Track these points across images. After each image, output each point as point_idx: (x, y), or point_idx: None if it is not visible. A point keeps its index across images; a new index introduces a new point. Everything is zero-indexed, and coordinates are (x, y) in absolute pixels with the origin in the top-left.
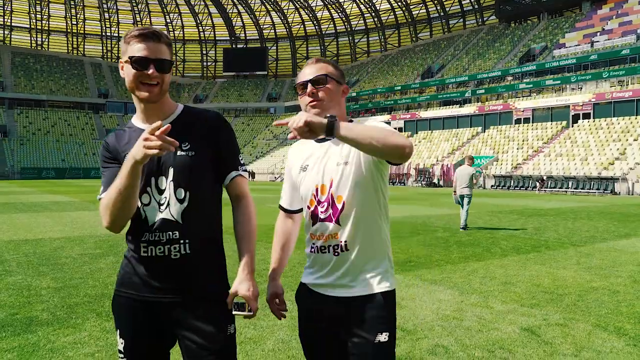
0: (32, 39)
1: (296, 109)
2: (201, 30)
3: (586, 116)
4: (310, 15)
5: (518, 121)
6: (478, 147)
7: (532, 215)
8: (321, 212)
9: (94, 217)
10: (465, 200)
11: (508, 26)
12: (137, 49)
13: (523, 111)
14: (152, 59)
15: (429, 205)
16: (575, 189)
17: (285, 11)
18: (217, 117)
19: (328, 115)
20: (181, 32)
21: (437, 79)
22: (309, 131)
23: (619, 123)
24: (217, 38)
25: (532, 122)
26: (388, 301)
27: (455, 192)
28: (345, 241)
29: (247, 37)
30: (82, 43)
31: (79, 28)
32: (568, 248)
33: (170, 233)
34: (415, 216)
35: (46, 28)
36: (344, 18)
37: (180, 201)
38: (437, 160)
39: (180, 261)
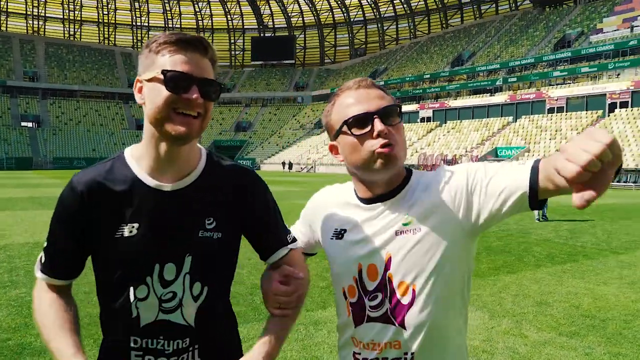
0: (65, 29)
1: (323, 98)
2: (229, 18)
3: (623, 105)
4: (339, 2)
5: (551, 110)
6: (509, 137)
7: (566, 214)
8: (370, 307)
9: None
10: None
11: (542, 11)
12: (174, 61)
13: (557, 100)
14: (196, 77)
15: None
16: (613, 182)
17: None
18: (248, 174)
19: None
20: (209, 21)
21: (467, 67)
22: None
23: None
24: (245, 27)
25: (566, 112)
26: None
27: None
28: (413, 353)
29: (275, 26)
30: (113, 33)
31: (110, 18)
32: (608, 256)
33: (180, 342)
34: None
35: (78, 18)
36: (372, 5)
37: (195, 299)
38: (466, 151)
39: None
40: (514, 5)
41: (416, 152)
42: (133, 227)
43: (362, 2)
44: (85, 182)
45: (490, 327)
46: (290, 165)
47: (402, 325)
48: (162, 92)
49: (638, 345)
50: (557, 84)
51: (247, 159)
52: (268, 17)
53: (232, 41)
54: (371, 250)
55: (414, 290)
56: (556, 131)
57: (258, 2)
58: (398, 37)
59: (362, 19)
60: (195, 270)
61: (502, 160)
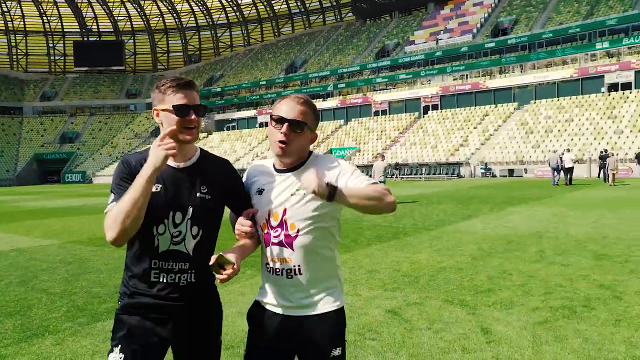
0: None
1: None
2: (46, 20)
3: (435, 107)
4: (170, 7)
5: (377, 113)
6: (341, 139)
7: None
8: (274, 236)
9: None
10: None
11: (364, 23)
12: (177, 98)
13: (380, 104)
14: (191, 105)
15: None
16: (427, 174)
17: (141, 2)
18: (224, 161)
19: (328, 184)
20: (21, 22)
21: (300, 74)
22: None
23: (461, 113)
24: (65, 30)
25: (389, 114)
26: (339, 318)
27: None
28: (298, 265)
29: (101, 30)
30: None
31: None
32: (422, 233)
33: (182, 264)
34: None
35: None
36: (205, 11)
37: (194, 237)
38: None
39: (186, 287)
40: (339, 17)
41: (257, 156)
42: (159, 186)
43: (194, 8)
44: (135, 159)
45: None
46: None
47: (291, 248)
48: (173, 118)
49: (439, 290)
50: (380, 90)
51: (77, 172)
52: (92, 21)
53: (51, 45)
54: (276, 203)
55: (298, 229)
56: (382, 132)
57: (79, 4)
58: (232, 44)
59: (195, 25)
60: (194, 217)
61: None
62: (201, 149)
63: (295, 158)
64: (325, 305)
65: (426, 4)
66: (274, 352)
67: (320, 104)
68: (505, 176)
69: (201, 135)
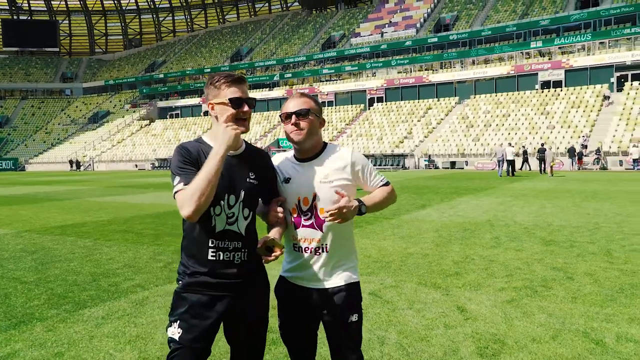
0: None
1: (97, 90)
2: None
3: (380, 100)
4: None
5: (323, 104)
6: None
7: None
8: (305, 219)
9: None
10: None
11: (310, 13)
12: (232, 91)
13: (327, 95)
14: (244, 98)
15: None
16: (374, 165)
17: None
18: (264, 152)
19: (359, 203)
20: None
21: (246, 62)
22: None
23: (406, 106)
24: None
25: (335, 105)
26: (356, 290)
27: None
28: (326, 244)
29: (32, 8)
30: None
31: None
32: (382, 221)
33: (236, 243)
34: None
35: None
36: None
37: (246, 218)
38: (250, 143)
39: (240, 265)
40: (285, 6)
41: None
42: None
43: None
44: (192, 147)
45: None
46: (78, 164)
47: (321, 229)
48: (229, 110)
49: (412, 274)
50: (326, 81)
51: (7, 159)
52: None
53: None
54: (305, 190)
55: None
56: (328, 123)
57: None
58: (175, 30)
59: (136, 7)
60: (246, 200)
61: (285, 150)
62: (245, 141)
63: (313, 143)
64: (344, 279)
65: None
66: (303, 321)
67: (266, 94)
68: (448, 168)
69: (142, 122)
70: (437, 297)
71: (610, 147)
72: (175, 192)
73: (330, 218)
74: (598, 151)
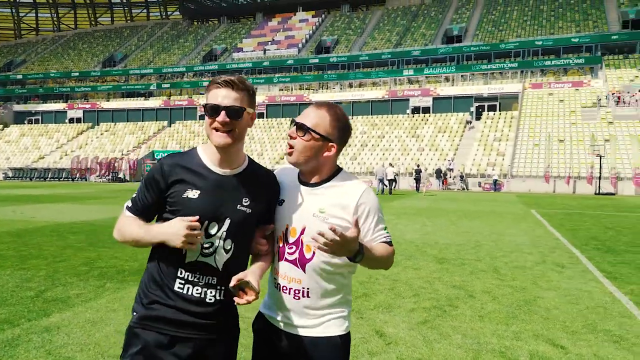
0: None
1: None
2: None
3: (261, 115)
4: None
5: (202, 117)
6: (165, 141)
7: None
8: (288, 253)
9: None
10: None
11: (191, 24)
12: (211, 96)
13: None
14: (222, 106)
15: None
16: None
17: None
18: (270, 174)
19: (359, 247)
20: None
21: (120, 69)
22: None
23: (286, 123)
24: None
25: None
26: (343, 343)
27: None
28: (308, 288)
29: None
30: None
31: None
32: None
33: (210, 278)
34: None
35: None
36: None
37: (226, 252)
38: (123, 154)
39: (213, 304)
40: (164, 13)
41: (66, 154)
42: (196, 193)
43: None
44: (169, 165)
45: None
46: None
47: (303, 269)
48: (207, 118)
49: None
50: (203, 94)
51: None
52: None
53: None
54: (295, 219)
55: (314, 252)
56: (208, 136)
57: None
58: (38, 28)
59: None
60: (230, 231)
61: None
62: (250, 159)
63: (312, 167)
64: (330, 328)
65: (254, 13)
66: None
67: (141, 103)
68: None
69: None
70: (353, 320)
71: (471, 170)
72: (124, 208)
73: (314, 243)
74: (462, 175)
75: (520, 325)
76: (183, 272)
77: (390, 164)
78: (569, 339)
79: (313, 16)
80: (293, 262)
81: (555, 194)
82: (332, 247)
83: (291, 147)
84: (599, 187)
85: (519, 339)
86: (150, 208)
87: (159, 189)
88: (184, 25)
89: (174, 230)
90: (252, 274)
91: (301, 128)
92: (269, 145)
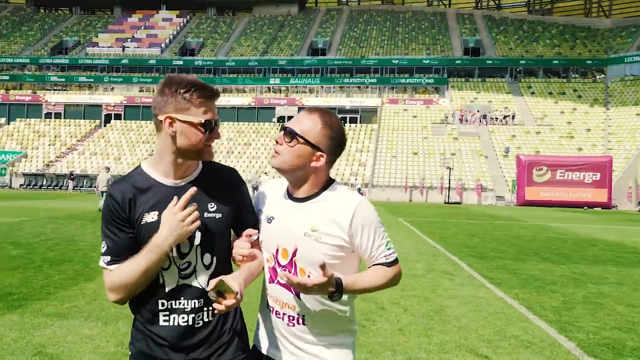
0: None
1: None
2: None
3: (118, 117)
4: None
5: (49, 115)
6: (3, 141)
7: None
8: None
9: None
10: (105, 195)
11: (37, 11)
12: (204, 111)
13: (54, 105)
14: (215, 120)
15: None
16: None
17: None
18: (234, 172)
19: (336, 286)
20: None
21: None
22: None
23: (147, 126)
24: None
25: (65, 118)
26: None
27: (97, 188)
28: (303, 315)
29: None
30: None
31: None
32: None
33: (196, 301)
34: None
35: None
36: None
37: (207, 267)
38: None
39: (202, 328)
40: None
41: None
42: (155, 214)
43: None
44: (121, 193)
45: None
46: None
47: (298, 295)
48: (200, 134)
49: None
50: (54, 89)
51: None
52: None
53: None
54: (286, 239)
55: (309, 276)
56: (55, 137)
57: None
58: None
59: None
60: (204, 244)
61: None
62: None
63: (298, 177)
64: (332, 358)
65: (112, 6)
66: None
67: None
68: None
69: None
70: None
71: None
72: (103, 268)
73: (284, 280)
74: None
75: (440, 337)
76: (165, 303)
77: (265, 173)
78: (488, 347)
79: (177, 16)
80: (286, 285)
81: (412, 203)
82: (301, 290)
83: (277, 152)
84: (449, 196)
85: (444, 351)
86: (130, 244)
87: (121, 219)
88: (29, 11)
89: (170, 223)
90: (231, 276)
91: (289, 133)
92: (127, 149)
